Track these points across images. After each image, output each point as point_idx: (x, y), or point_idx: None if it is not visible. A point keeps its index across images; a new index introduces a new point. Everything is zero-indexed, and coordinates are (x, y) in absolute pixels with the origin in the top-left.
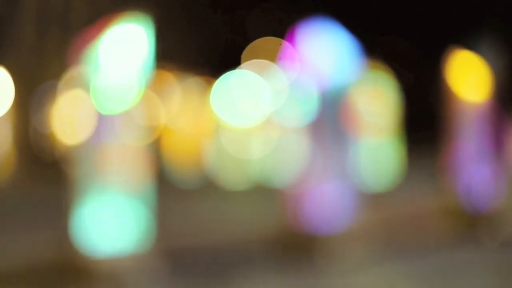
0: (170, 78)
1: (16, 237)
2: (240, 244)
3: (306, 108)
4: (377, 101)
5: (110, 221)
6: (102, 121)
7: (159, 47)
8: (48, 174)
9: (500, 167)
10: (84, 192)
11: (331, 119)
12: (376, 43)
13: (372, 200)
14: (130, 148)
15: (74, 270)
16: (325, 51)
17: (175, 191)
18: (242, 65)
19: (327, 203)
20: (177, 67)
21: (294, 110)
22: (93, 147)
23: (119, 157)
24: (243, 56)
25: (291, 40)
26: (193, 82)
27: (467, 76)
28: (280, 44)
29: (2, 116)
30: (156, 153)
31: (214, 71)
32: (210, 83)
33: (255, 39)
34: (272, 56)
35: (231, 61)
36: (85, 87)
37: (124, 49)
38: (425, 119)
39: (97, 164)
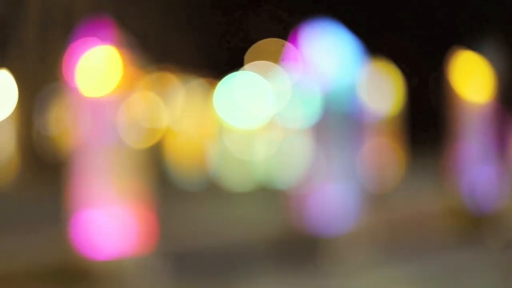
0: (174, 80)
1: (18, 239)
2: (243, 246)
3: (309, 109)
4: (380, 102)
5: (112, 223)
6: (105, 124)
7: (163, 50)
8: (51, 176)
9: (503, 168)
10: (87, 194)
11: (334, 120)
12: (379, 44)
13: (376, 202)
14: (133, 150)
15: (77, 271)
16: (328, 52)
17: (178, 193)
18: (245, 66)
19: (331, 205)
20: (180, 69)
21: (297, 112)
22: (96, 149)
23: (122, 159)
24: (246, 57)
25: (294, 41)
26: (197, 84)
27: (471, 77)
28: (283, 45)
29: (5, 119)
30: (160, 155)
31: (217, 73)
32: (213, 85)
33: (258, 40)
34: (275, 57)
35: (234, 63)
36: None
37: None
38: (428, 120)
39: (100, 166)
